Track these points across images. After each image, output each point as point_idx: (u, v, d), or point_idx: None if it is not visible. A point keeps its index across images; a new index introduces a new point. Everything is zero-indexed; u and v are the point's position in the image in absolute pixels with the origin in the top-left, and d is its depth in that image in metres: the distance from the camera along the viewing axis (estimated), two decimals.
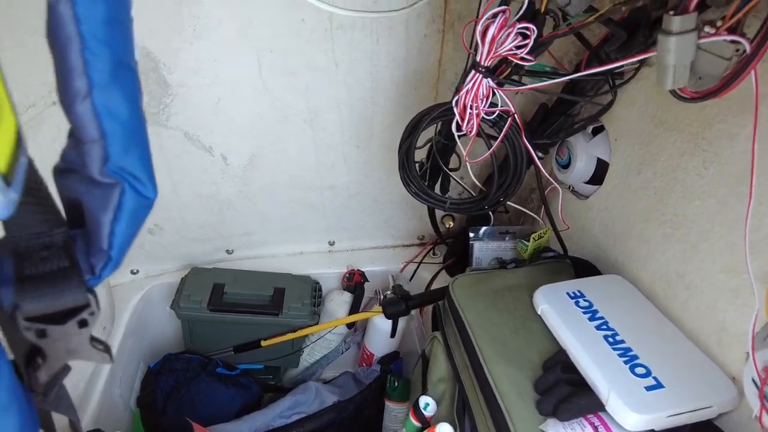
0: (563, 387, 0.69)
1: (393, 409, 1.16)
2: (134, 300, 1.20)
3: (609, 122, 0.91)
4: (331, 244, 1.36)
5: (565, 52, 0.96)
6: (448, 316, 0.88)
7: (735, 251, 0.65)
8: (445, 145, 0.86)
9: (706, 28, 0.49)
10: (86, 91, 0.26)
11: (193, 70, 0.96)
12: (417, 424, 0.85)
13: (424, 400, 0.85)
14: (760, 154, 0.57)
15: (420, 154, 0.94)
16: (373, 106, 1.09)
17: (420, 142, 0.86)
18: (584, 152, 0.94)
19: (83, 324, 0.31)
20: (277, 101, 1.05)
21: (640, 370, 0.68)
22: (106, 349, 0.33)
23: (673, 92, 0.56)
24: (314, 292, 1.23)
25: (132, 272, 1.25)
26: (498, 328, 0.80)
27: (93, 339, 0.32)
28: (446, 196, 0.89)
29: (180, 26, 0.90)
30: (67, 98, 0.26)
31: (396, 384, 1.16)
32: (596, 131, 0.94)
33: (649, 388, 0.65)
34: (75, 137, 0.28)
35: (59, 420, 0.41)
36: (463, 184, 0.96)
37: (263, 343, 1.19)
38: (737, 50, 0.49)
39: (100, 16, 0.25)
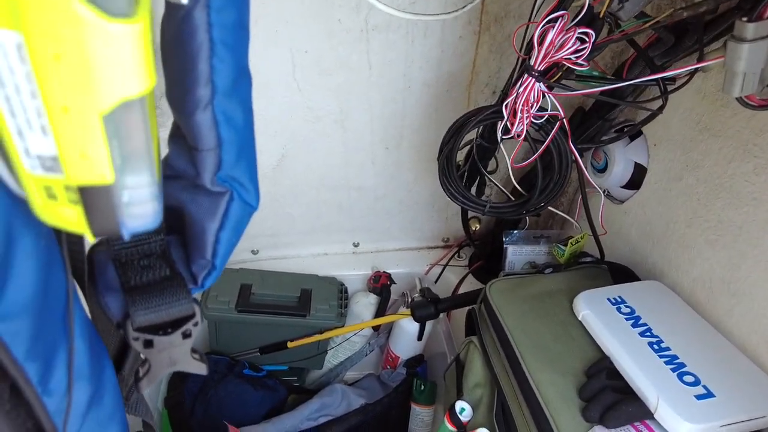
0: (609, 394, 0.69)
1: (419, 412, 1.16)
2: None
3: (648, 127, 0.90)
4: (356, 245, 1.36)
5: (601, 55, 0.95)
6: (485, 320, 0.88)
7: None
8: (485, 148, 0.86)
9: None
10: (209, 100, 0.25)
11: None
12: (453, 428, 0.84)
13: (460, 404, 0.84)
14: None
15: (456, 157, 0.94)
16: (404, 107, 1.09)
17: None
18: (622, 156, 0.93)
19: (187, 335, 0.31)
20: (309, 101, 1.04)
21: (688, 378, 0.67)
22: (202, 359, 0.33)
23: (739, 99, 0.55)
24: (340, 293, 1.23)
25: None
26: (539, 333, 0.79)
27: (192, 350, 0.32)
28: (484, 199, 0.89)
29: None
30: (187, 107, 0.25)
31: (423, 387, 1.16)
32: (634, 135, 0.93)
33: (699, 397, 0.65)
34: (187, 144, 0.28)
35: None
36: (501, 187, 0.95)
37: (290, 345, 1.18)
38: None
39: (231, 20, 0.24)
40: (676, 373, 0.68)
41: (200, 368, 0.33)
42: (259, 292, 1.17)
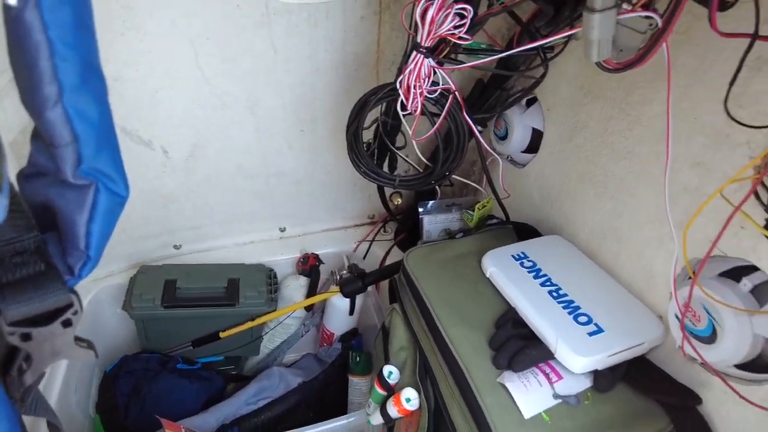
0: (515, 341, 0.75)
1: (357, 383, 1.20)
2: (83, 304, 1.16)
3: (541, 94, 0.97)
4: (282, 230, 1.37)
5: (498, 29, 1.00)
6: (404, 287, 0.92)
7: (657, 204, 0.72)
8: (391, 125, 0.89)
9: (624, 5, 0.54)
10: (57, 97, 0.26)
11: (126, 62, 0.92)
12: (383, 392, 0.89)
13: (387, 369, 0.88)
14: (673, 115, 0.64)
15: (367, 135, 0.97)
16: (313, 90, 1.10)
17: (366, 122, 0.88)
18: (520, 123, 0.99)
19: (67, 324, 0.32)
20: (215, 89, 1.03)
21: (582, 319, 0.75)
22: (90, 345, 0.34)
23: (598, 64, 0.61)
24: (269, 279, 1.24)
25: None
26: (452, 294, 0.85)
27: (76, 338, 0.33)
28: (395, 174, 0.92)
29: (109, 18, 0.86)
30: (36, 105, 0.26)
31: (358, 359, 1.20)
32: (530, 103, 1.00)
33: (591, 334, 0.72)
34: (45, 141, 0.28)
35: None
36: (410, 161, 0.99)
37: (222, 335, 1.19)
38: (651, 24, 0.54)
39: (68, 20, 0.25)
40: (572, 315, 0.76)
41: (87, 354, 0.34)
42: (185, 287, 1.16)
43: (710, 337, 0.64)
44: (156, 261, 1.25)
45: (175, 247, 1.28)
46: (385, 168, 1.01)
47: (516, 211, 1.05)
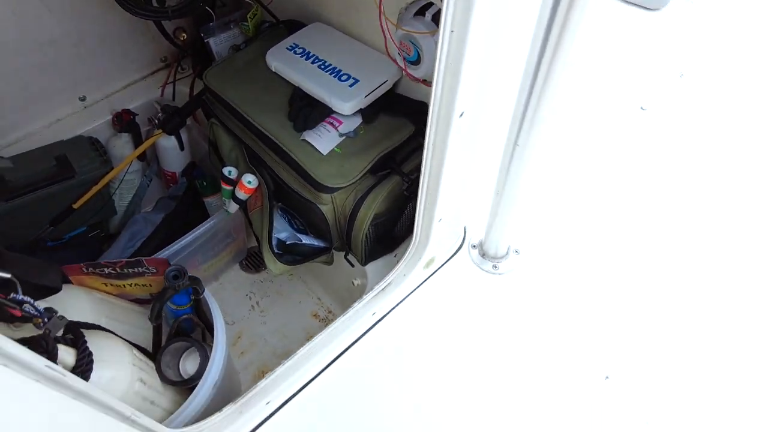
0: (305, 110, 1.02)
1: (211, 201, 1.42)
2: None
3: None
4: (83, 99, 1.39)
5: None
6: (213, 103, 1.11)
7: None
8: None
9: None
10: None
11: None
12: (229, 187, 1.13)
13: (226, 169, 1.12)
14: None
15: None
16: None
17: None
18: None
19: None
20: None
21: (344, 77, 1.03)
22: None
23: None
24: (93, 145, 1.32)
25: None
26: (252, 93, 1.06)
27: None
28: (165, 6, 1.03)
29: None
30: None
31: (205, 183, 1.41)
32: None
33: (351, 85, 1.01)
34: None
35: None
36: None
37: (75, 206, 1.29)
38: None
39: None
40: (336, 77, 1.03)
41: None
42: (15, 177, 1.20)
43: (417, 60, 0.96)
44: None
45: None
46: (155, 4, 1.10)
47: (282, 10, 1.23)
